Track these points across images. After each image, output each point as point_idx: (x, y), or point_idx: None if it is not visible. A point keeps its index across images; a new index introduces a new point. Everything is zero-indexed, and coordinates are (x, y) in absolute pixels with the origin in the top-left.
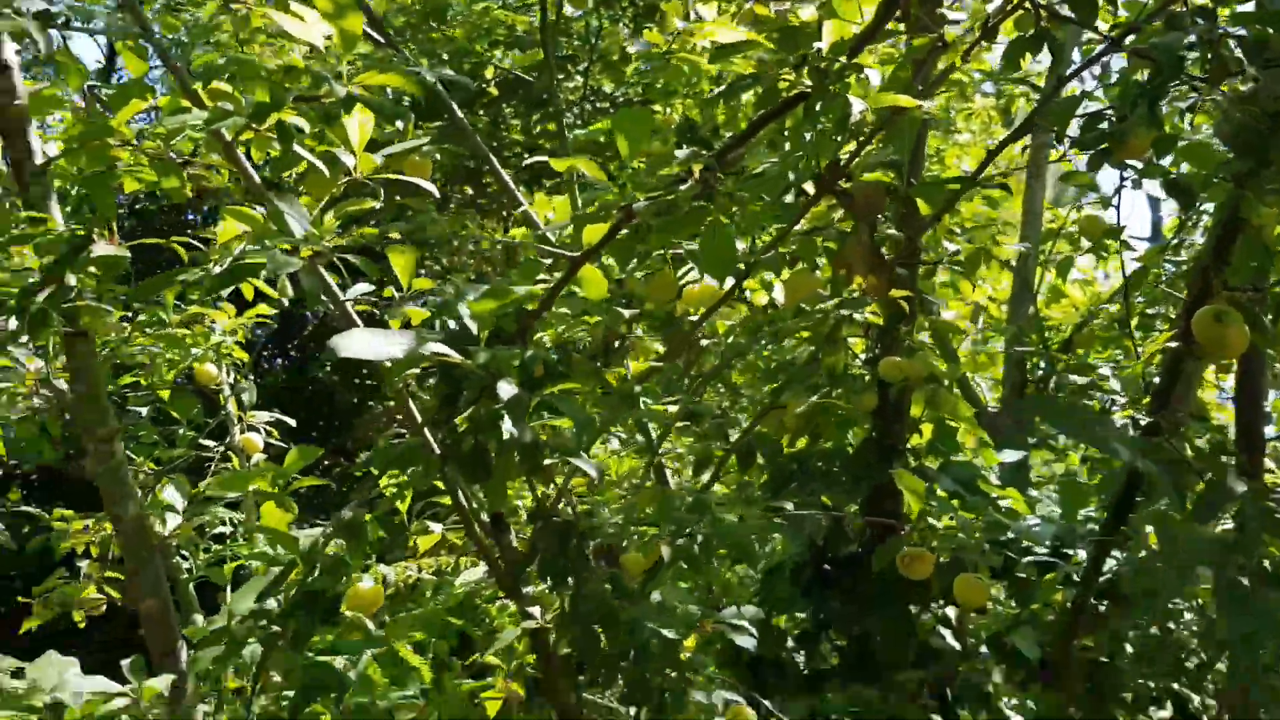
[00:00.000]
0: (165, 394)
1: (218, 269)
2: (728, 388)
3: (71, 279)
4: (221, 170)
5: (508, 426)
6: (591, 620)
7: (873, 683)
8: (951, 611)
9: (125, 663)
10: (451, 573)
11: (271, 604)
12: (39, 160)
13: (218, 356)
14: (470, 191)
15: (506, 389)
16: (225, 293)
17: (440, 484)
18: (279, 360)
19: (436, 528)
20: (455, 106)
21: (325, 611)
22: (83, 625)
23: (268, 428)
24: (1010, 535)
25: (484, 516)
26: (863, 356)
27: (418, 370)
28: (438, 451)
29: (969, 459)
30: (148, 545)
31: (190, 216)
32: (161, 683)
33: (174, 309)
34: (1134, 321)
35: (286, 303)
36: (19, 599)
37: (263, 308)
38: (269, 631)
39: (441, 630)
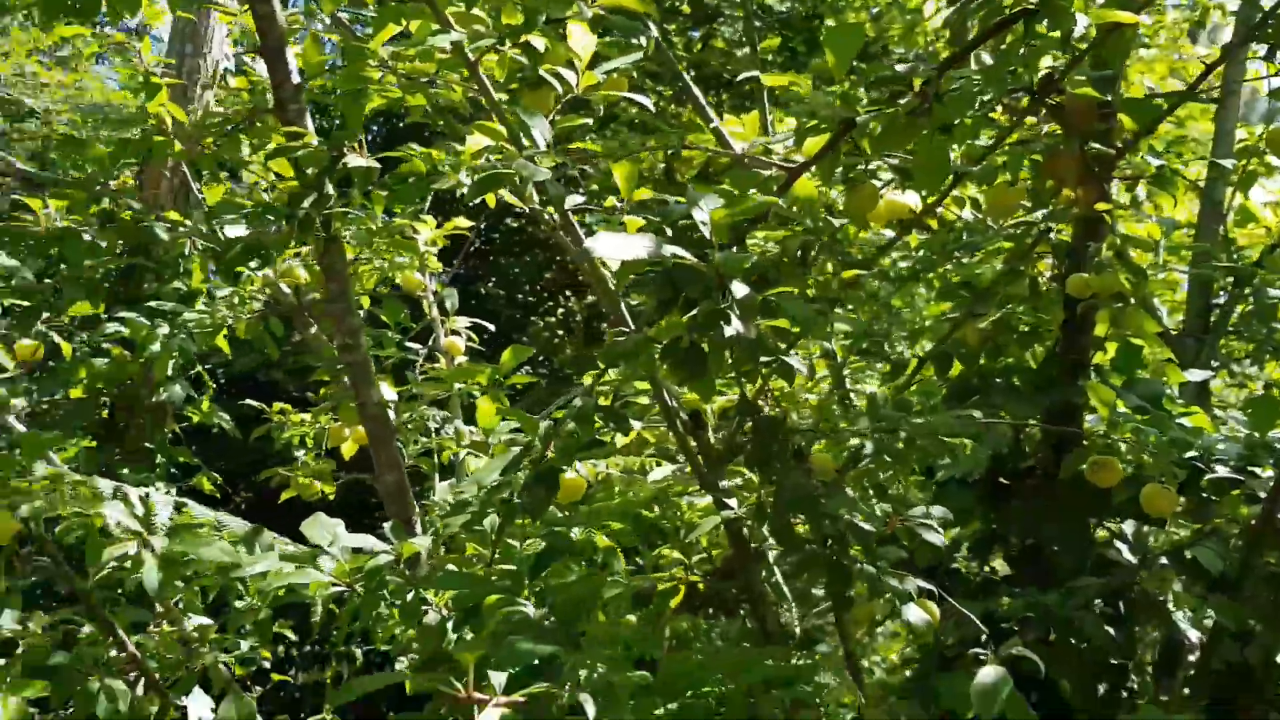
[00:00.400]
0: (365, 301)
1: (466, 178)
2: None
3: (329, 188)
4: (455, 88)
5: (734, 324)
6: (793, 509)
7: (1046, 590)
8: (1129, 526)
9: (387, 525)
10: (639, 471)
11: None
12: (295, 81)
13: (422, 265)
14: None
15: (740, 289)
16: (426, 206)
17: (643, 384)
18: (444, 277)
19: (635, 425)
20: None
21: (558, 488)
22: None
23: (467, 332)
24: (1194, 452)
25: (684, 416)
26: (1049, 273)
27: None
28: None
29: (1153, 377)
30: (388, 427)
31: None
32: (422, 542)
33: (381, 221)
34: None
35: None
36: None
37: (460, 220)
38: (510, 503)
39: (635, 521)
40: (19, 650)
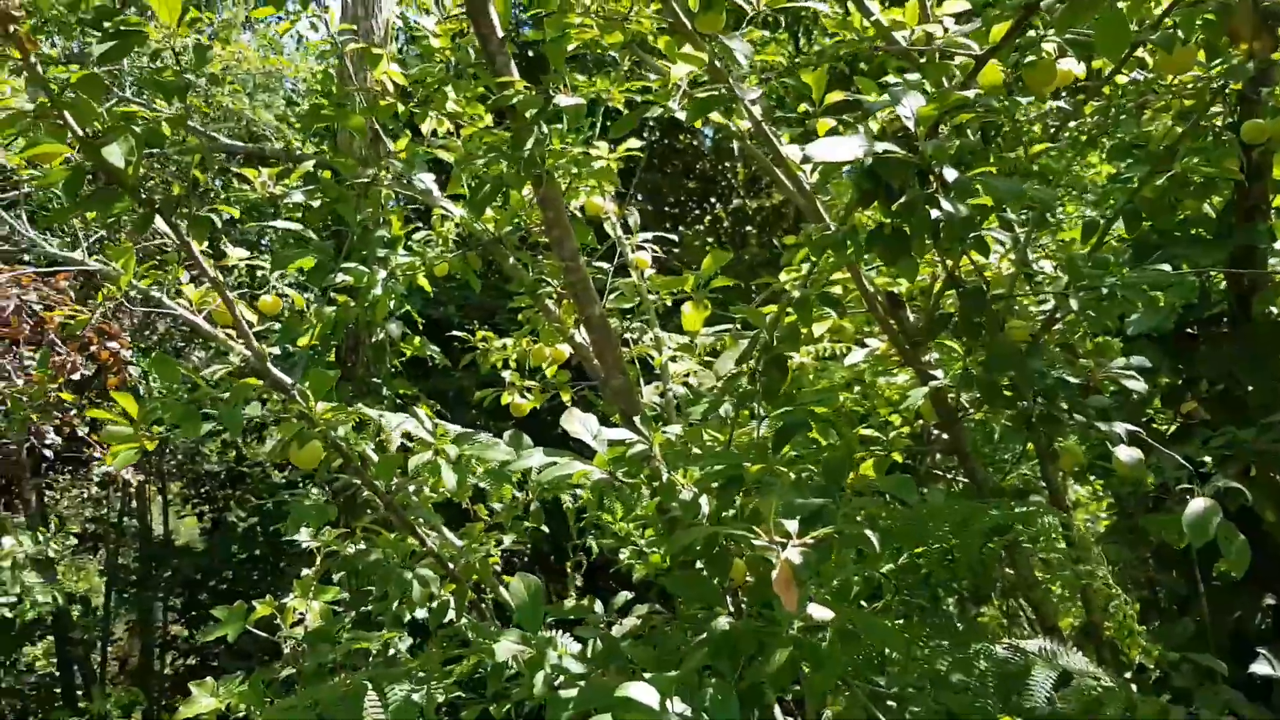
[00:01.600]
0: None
1: (675, 104)
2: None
3: (544, 128)
4: (644, 21)
5: (945, 205)
6: (1002, 369)
7: (1243, 427)
8: None
9: (637, 419)
10: (831, 358)
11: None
12: (500, 34)
13: (602, 190)
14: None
15: (951, 173)
16: (596, 133)
17: (842, 274)
18: (624, 198)
19: (831, 313)
20: None
21: (787, 372)
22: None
23: (650, 246)
24: None
25: (882, 299)
26: (1221, 123)
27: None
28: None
29: None
30: (611, 335)
31: None
32: (673, 430)
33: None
34: None
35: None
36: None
37: (633, 142)
38: (743, 389)
39: (835, 403)
40: (329, 555)
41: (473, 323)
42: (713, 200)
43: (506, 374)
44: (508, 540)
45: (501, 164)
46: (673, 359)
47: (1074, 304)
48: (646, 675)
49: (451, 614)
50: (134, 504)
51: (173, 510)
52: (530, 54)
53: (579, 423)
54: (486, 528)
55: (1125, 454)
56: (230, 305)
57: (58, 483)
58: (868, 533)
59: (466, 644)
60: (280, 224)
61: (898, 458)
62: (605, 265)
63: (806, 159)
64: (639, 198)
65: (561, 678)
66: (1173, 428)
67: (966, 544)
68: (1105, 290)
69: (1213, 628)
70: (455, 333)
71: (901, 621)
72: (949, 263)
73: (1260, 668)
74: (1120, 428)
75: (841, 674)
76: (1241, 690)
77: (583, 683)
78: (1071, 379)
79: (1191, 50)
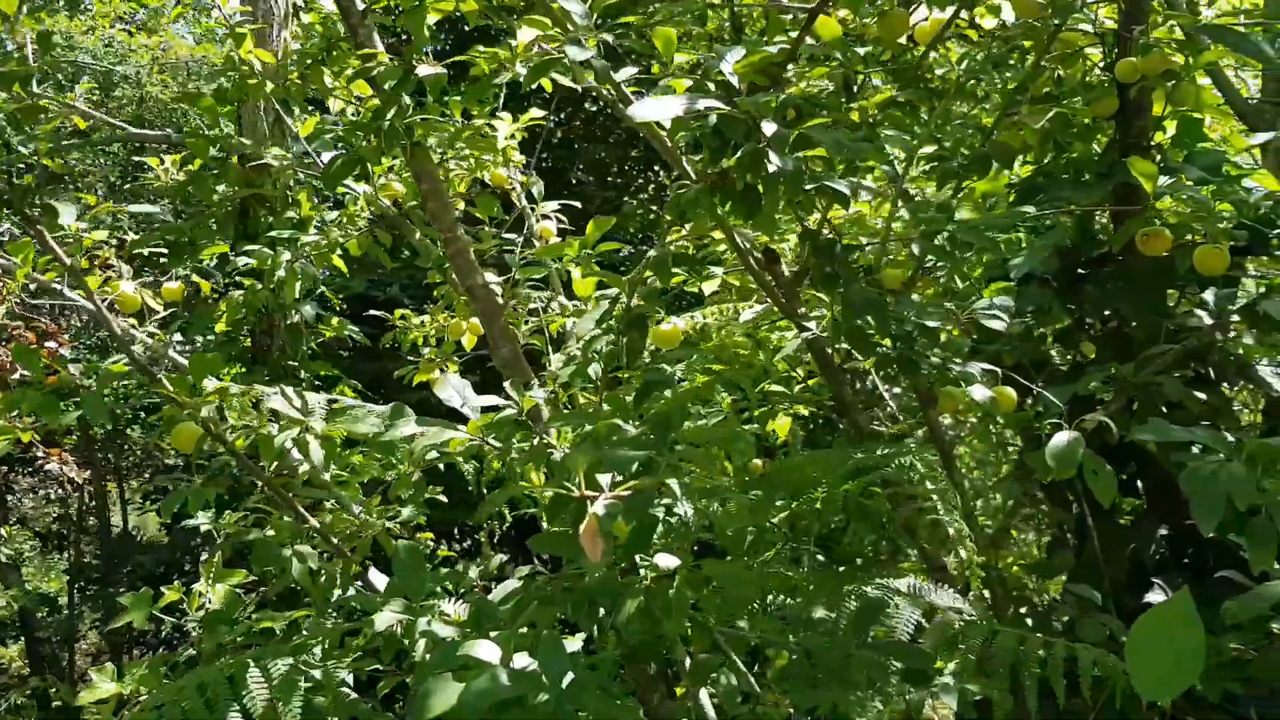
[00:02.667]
0: (460, 203)
1: (523, 69)
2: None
3: (405, 99)
4: None
5: (773, 160)
6: (861, 314)
7: (1127, 362)
8: (1210, 296)
9: (507, 384)
10: (732, 316)
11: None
12: (361, 6)
13: (505, 160)
14: None
15: (769, 126)
16: (500, 104)
17: (716, 234)
18: (533, 170)
19: (717, 271)
20: None
21: (647, 332)
22: None
23: (557, 215)
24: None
25: (758, 254)
26: (1101, 64)
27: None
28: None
29: (1216, 148)
30: (496, 304)
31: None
32: (540, 394)
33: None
34: None
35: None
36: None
37: (535, 112)
38: (607, 350)
39: (733, 359)
40: (219, 539)
41: (421, 301)
42: (656, 169)
43: (426, 350)
44: (406, 512)
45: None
46: (577, 323)
47: (915, 249)
48: (493, 634)
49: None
50: (93, 502)
51: (134, 507)
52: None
53: (451, 390)
54: (383, 500)
55: (979, 393)
56: (89, 291)
57: (18, 485)
58: (671, 483)
59: (356, 614)
60: (137, 208)
61: (802, 410)
62: (514, 236)
63: (628, 119)
64: (581, 168)
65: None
66: (1068, 366)
67: (833, 488)
68: (945, 235)
69: (1109, 560)
70: (374, 312)
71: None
72: (807, 216)
73: (1155, 597)
74: (975, 367)
75: (702, 621)
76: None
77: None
78: (931, 323)
79: None
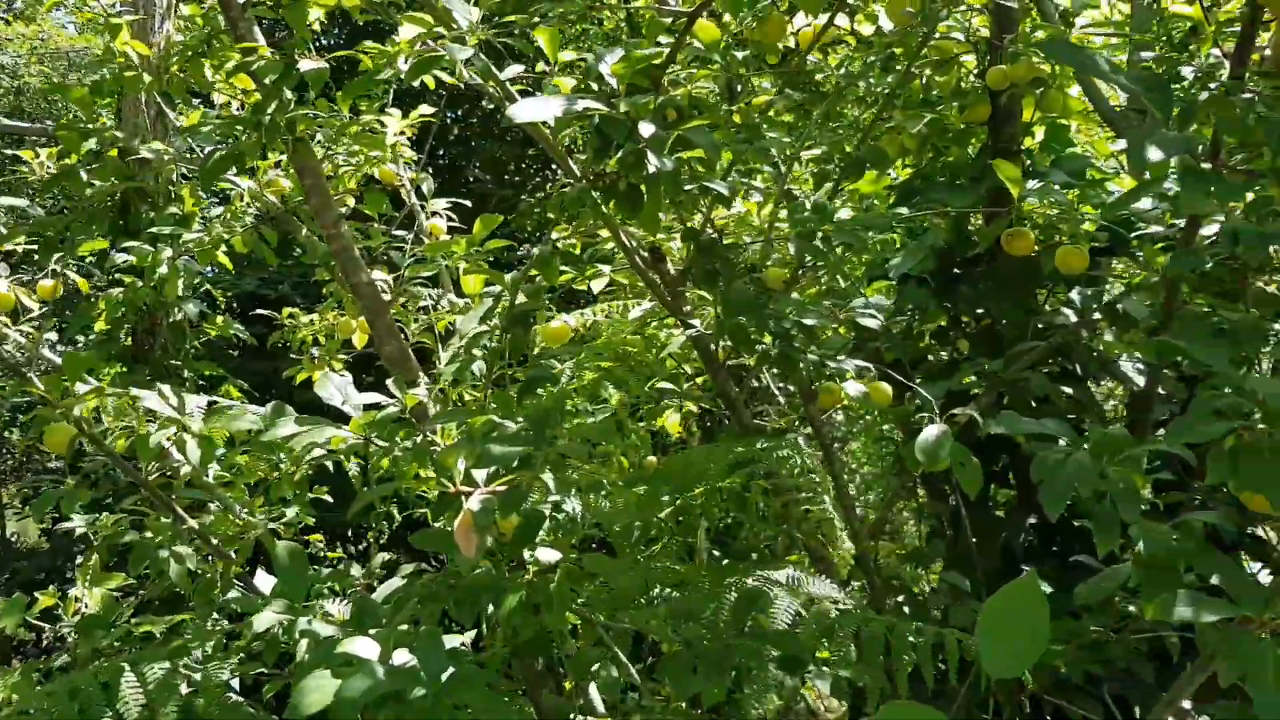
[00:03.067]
0: (350, 200)
1: (405, 66)
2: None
3: (287, 93)
4: None
5: (652, 160)
6: (738, 312)
7: (998, 358)
8: (1076, 295)
9: (389, 381)
10: (622, 314)
11: (486, 328)
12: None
13: (394, 156)
14: None
15: (646, 128)
16: (390, 100)
17: (604, 232)
18: (431, 168)
19: (605, 269)
20: None
21: (530, 328)
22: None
23: (447, 212)
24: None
25: (644, 253)
26: (975, 72)
27: (569, 131)
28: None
29: (1081, 153)
30: (380, 301)
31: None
32: (421, 391)
33: (349, 120)
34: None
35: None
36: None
37: (424, 108)
38: (491, 347)
39: (620, 357)
40: (96, 541)
41: (313, 300)
42: (554, 167)
43: (315, 350)
44: (291, 513)
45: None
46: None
47: (792, 248)
48: (373, 631)
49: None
50: None
51: (14, 513)
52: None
53: (333, 388)
54: (266, 501)
55: (853, 388)
56: None
57: None
58: (547, 477)
59: (239, 617)
60: (7, 201)
61: (693, 407)
62: (404, 233)
63: (509, 119)
64: (478, 166)
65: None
66: (944, 363)
67: (714, 482)
68: (820, 235)
69: (982, 549)
70: (262, 310)
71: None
72: (691, 216)
73: None
74: (850, 364)
75: (589, 615)
76: None
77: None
78: (808, 320)
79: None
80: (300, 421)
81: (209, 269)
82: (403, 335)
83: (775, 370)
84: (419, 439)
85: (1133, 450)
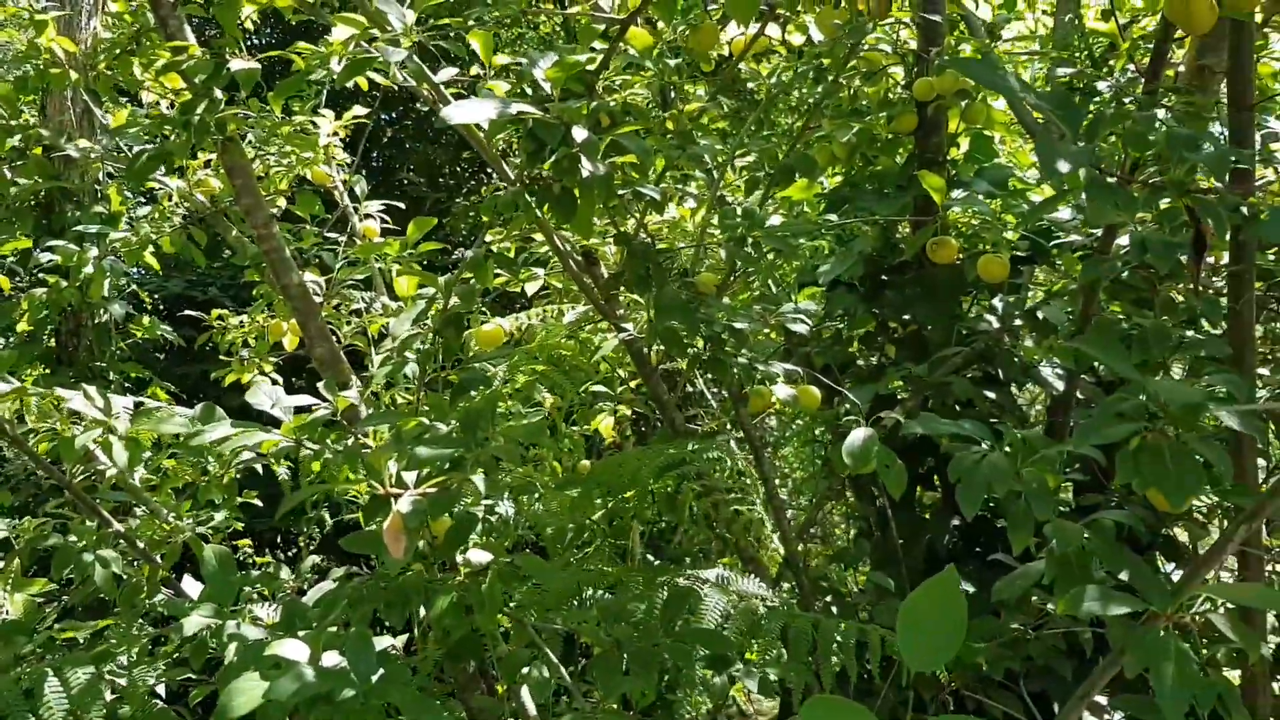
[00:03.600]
0: (282, 201)
1: (338, 66)
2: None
3: (217, 93)
4: None
5: (585, 165)
6: (669, 316)
7: (923, 363)
8: (998, 301)
9: (320, 384)
10: (556, 318)
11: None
12: None
13: (327, 157)
14: None
15: (579, 133)
16: (323, 101)
17: (538, 236)
18: (365, 170)
19: (539, 272)
20: None
21: (463, 331)
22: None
23: (380, 214)
24: (1042, 224)
25: (578, 256)
26: (902, 84)
27: (503, 135)
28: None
29: (1002, 162)
30: (311, 303)
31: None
32: (352, 394)
33: (281, 120)
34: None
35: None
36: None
37: (357, 109)
38: (424, 350)
39: (553, 361)
40: (18, 544)
41: (244, 303)
42: (489, 170)
43: (245, 353)
44: (219, 517)
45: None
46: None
47: (723, 254)
48: (301, 633)
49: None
50: None
51: None
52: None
53: (263, 394)
54: (194, 505)
55: (782, 391)
56: None
57: None
58: (477, 479)
59: (166, 622)
60: None
61: (625, 410)
62: (336, 235)
63: (443, 121)
64: (411, 169)
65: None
66: (872, 367)
67: (643, 483)
68: (751, 241)
69: (908, 550)
70: (190, 312)
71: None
72: (623, 220)
73: None
74: (779, 368)
75: (521, 616)
76: None
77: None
78: (739, 325)
79: (833, 12)
80: (233, 423)
81: (135, 270)
82: (335, 338)
83: (707, 374)
84: (350, 441)
85: (1046, 451)
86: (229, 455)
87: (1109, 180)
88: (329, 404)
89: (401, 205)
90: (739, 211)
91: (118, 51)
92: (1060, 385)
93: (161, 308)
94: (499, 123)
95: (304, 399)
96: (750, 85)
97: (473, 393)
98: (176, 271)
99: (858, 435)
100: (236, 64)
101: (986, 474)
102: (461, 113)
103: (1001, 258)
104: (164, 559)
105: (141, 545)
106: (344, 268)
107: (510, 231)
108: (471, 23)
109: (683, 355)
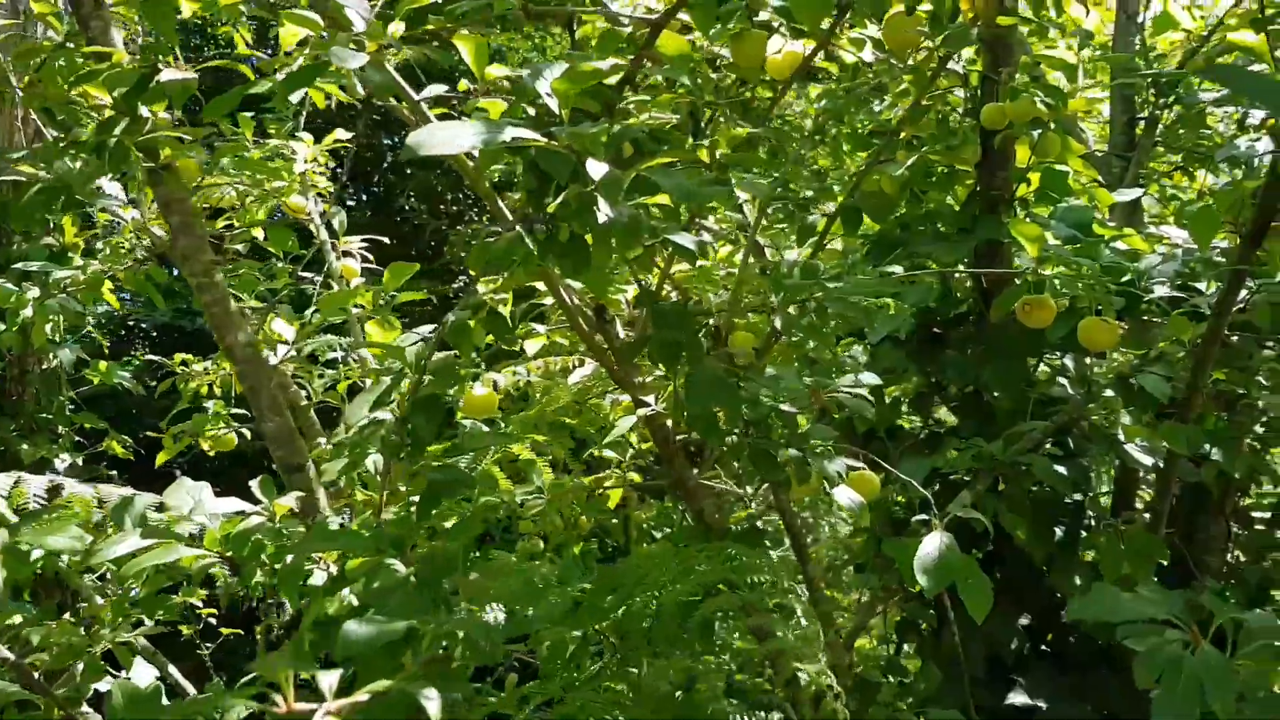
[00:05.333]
0: (258, 231)
1: (282, 75)
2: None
3: (144, 110)
4: None
5: (603, 208)
6: (707, 400)
7: (991, 437)
8: (1070, 361)
9: (254, 482)
10: (561, 374)
11: (388, 416)
12: None
13: (303, 187)
14: None
15: (596, 168)
16: (303, 123)
17: (541, 284)
18: (363, 196)
19: (541, 329)
20: None
21: (441, 416)
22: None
23: (363, 253)
24: (1130, 276)
25: (588, 311)
26: (962, 109)
27: (501, 166)
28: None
29: (1082, 203)
30: (263, 369)
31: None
32: (290, 499)
33: (254, 143)
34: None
35: (348, 135)
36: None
37: (339, 133)
38: (389, 439)
39: (555, 429)
40: None
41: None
42: None
43: (210, 404)
44: (150, 622)
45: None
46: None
47: (778, 322)
48: None
49: None
50: None
51: None
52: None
53: (183, 494)
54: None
55: (844, 496)
56: None
57: None
58: (429, 702)
59: None
60: None
61: (636, 478)
62: (312, 274)
63: (411, 151)
64: (412, 196)
65: None
66: (925, 434)
67: (668, 611)
68: (813, 305)
69: (967, 654)
70: (152, 356)
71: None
72: (644, 274)
73: (1017, 697)
74: (838, 465)
75: None
76: None
77: None
78: (787, 407)
79: (917, 19)
80: (147, 532)
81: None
82: (305, 396)
83: (750, 466)
84: (290, 560)
85: (1267, 640)
86: (135, 575)
87: None
88: (263, 508)
89: (387, 240)
90: (788, 267)
91: (40, 60)
92: (1148, 461)
93: (152, 335)
94: (489, 153)
95: (229, 502)
96: (795, 110)
97: (448, 501)
98: (168, 298)
99: (932, 545)
100: (168, 74)
101: (1198, 673)
102: (435, 140)
103: (1111, 324)
104: (84, 675)
105: (39, 676)
106: (301, 327)
107: (505, 285)
108: (451, 24)
109: (719, 443)
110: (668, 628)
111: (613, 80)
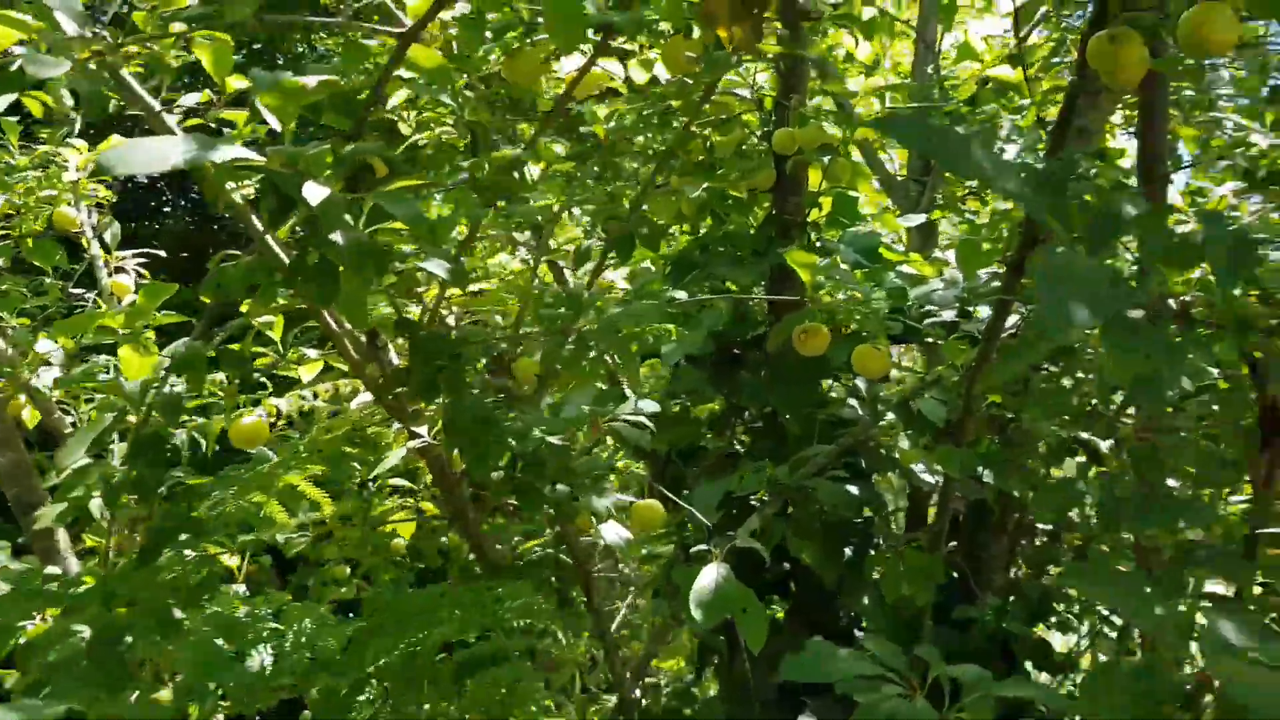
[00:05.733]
0: (29, 243)
1: None
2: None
3: None
4: None
5: (335, 232)
6: (467, 431)
7: (784, 459)
8: (862, 383)
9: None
10: (349, 397)
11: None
12: None
13: (75, 198)
14: None
15: (315, 191)
16: (77, 130)
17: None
18: (183, 202)
19: (313, 353)
20: None
21: (165, 457)
22: None
23: (139, 270)
24: (911, 302)
25: (360, 337)
26: (758, 133)
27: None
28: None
29: (871, 228)
30: None
31: None
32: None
33: (20, 149)
34: (1034, 65)
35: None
36: None
37: (116, 139)
38: (110, 484)
39: (336, 459)
40: None
41: None
42: None
43: None
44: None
45: None
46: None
47: (537, 355)
48: None
49: None
50: None
51: None
52: None
53: None
54: None
55: (610, 534)
56: None
57: None
58: None
59: None
60: None
61: (431, 509)
62: (84, 291)
63: (104, 169)
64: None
65: None
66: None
67: (428, 647)
68: (574, 335)
69: (757, 679)
70: None
71: None
72: (403, 302)
73: None
74: (606, 500)
75: None
76: None
77: None
78: (557, 440)
79: (690, 43)
80: None
81: None
82: (70, 424)
83: (517, 502)
84: None
85: (986, 689)
86: None
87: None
88: None
89: (163, 253)
90: (558, 296)
91: None
92: (932, 480)
93: None
94: (223, 171)
95: None
96: (582, 130)
97: (170, 554)
98: None
99: (709, 578)
100: None
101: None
102: (136, 157)
103: (883, 351)
104: None
105: None
106: (56, 330)
107: (253, 310)
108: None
109: (486, 476)
110: (423, 674)
111: (363, 96)
